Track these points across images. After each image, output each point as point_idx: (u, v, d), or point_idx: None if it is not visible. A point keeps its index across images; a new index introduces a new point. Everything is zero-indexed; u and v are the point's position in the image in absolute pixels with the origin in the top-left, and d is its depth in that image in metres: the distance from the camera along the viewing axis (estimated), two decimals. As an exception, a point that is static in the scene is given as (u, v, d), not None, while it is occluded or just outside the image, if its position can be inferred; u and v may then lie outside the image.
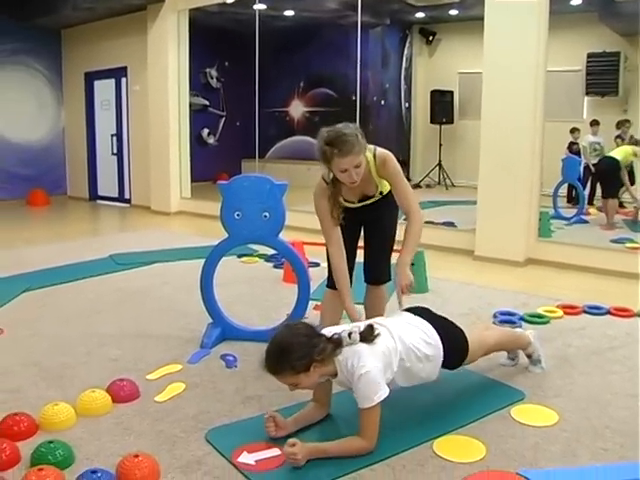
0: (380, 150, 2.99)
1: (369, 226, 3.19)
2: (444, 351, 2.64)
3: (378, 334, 2.49)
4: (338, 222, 3.00)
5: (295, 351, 2.33)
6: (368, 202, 3.08)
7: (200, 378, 3.17)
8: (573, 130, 7.85)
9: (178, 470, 2.30)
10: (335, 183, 2.97)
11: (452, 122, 10.80)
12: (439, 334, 2.66)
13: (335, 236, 3.02)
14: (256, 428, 2.54)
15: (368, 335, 2.48)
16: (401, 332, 2.58)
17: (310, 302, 3.67)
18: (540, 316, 4.13)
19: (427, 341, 2.61)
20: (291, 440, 2.33)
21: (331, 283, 3.21)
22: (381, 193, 3.03)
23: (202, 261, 3.70)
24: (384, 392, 2.37)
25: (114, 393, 2.88)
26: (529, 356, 3.22)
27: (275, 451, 2.41)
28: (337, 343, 2.42)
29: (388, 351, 2.47)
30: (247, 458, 2.37)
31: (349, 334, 2.45)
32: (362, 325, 2.55)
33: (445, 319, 2.84)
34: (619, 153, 6.93)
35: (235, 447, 2.44)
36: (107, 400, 2.81)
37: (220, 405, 2.85)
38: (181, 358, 3.43)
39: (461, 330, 2.82)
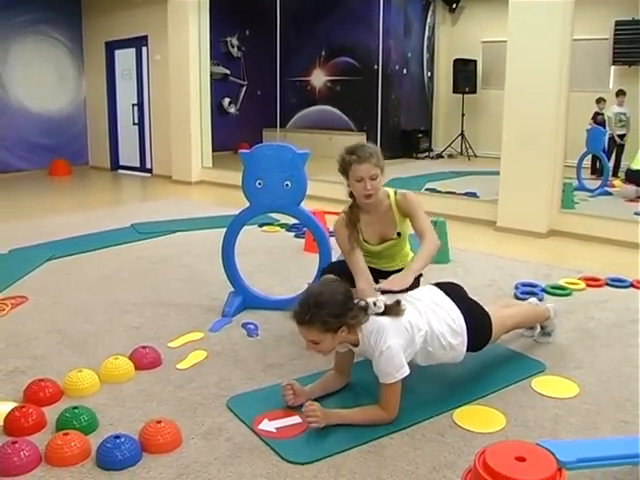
0: (401, 189, 3.03)
1: None
2: (469, 337, 2.62)
3: (404, 309, 2.48)
4: (356, 246, 2.98)
5: (331, 307, 2.31)
6: (387, 245, 3.04)
7: (221, 346, 3.19)
8: (599, 100, 7.71)
9: (200, 436, 2.34)
10: (353, 209, 3.00)
11: (475, 92, 10.67)
12: (465, 319, 2.61)
13: (355, 257, 2.97)
14: (277, 396, 2.56)
15: (394, 308, 2.46)
16: (430, 316, 2.54)
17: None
18: (562, 288, 4.09)
19: (453, 328, 2.57)
20: (310, 401, 2.36)
21: (332, 267, 3.14)
22: (399, 234, 3.00)
23: (223, 230, 3.70)
24: (406, 369, 2.37)
25: (136, 360, 2.91)
26: (542, 327, 3.21)
27: (296, 419, 2.43)
28: (364, 310, 2.41)
29: (411, 327, 2.45)
30: (268, 425, 2.39)
31: (374, 302, 2.44)
32: (388, 299, 2.51)
33: (473, 302, 2.79)
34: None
35: (256, 414, 2.46)
36: (130, 367, 2.85)
37: (241, 373, 2.88)
38: (202, 326, 3.45)
39: (487, 314, 2.76)
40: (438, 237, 2.93)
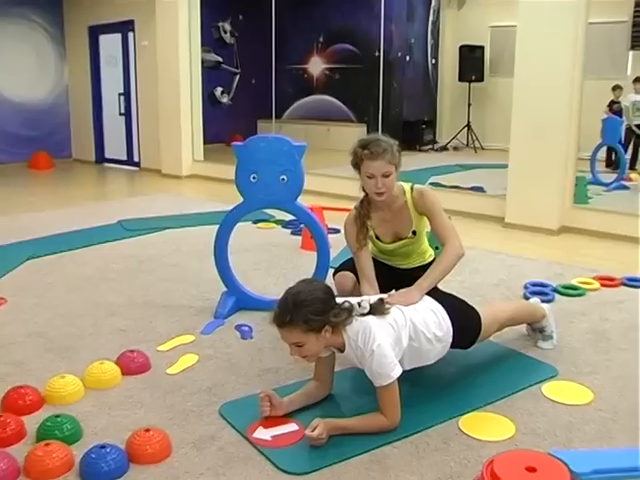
0: (418, 185, 2.99)
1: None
2: (454, 331, 2.64)
3: (389, 308, 2.51)
4: (365, 244, 2.98)
5: (313, 304, 2.32)
6: (401, 243, 3.04)
7: (214, 350, 3.19)
8: (615, 88, 7.67)
9: (191, 445, 2.33)
10: (364, 204, 2.98)
11: (482, 80, 10.66)
12: (448, 313, 2.65)
13: (362, 259, 2.97)
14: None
15: (378, 307, 2.49)
16: (410, 312, 2.58)
17: (330, 270, 3.67)
18: (575, 288, 4.09)
19: (436, 321, 2.61)
20: (314, 422, 2.33)
21: (342, 266, 3.18)
22: (414, 233, 2.99)
23: (216, 227, 3.69)
24: (399, 368, 2.38)
25: (124, 365, 2.91)
26: (541, 330, 3.20)
27: (292, 426, 2.43)
28: (349, 311, 2.42)
29: (396, 325, 2.48)
30: (263, 434, 2.39)
31: (359, 303, 2.46)
32: (372, 298, 2.55)
33: (454, 297, 2.84)
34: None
35: (250, 422, 2.46)
36: (116, 372, 2.84)
37: (235, 378, 2.87)
38: (194, 329, 3.45)
39: (471, 307, 2.81)
40: (432, 248, 2.93)
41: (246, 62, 11.67)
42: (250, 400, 2.65)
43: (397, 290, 2.91)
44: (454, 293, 2.91)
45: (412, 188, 2.96)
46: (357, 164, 2.86)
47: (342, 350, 2.46)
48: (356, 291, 2.95)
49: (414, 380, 2.68)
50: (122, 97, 10.32)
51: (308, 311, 2.31)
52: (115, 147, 10.67)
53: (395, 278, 2.97)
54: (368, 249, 3.01)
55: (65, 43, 10.87)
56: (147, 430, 2.28)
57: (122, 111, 10.37)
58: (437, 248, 4.33)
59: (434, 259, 3.13)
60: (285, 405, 2.52)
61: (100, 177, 9.88)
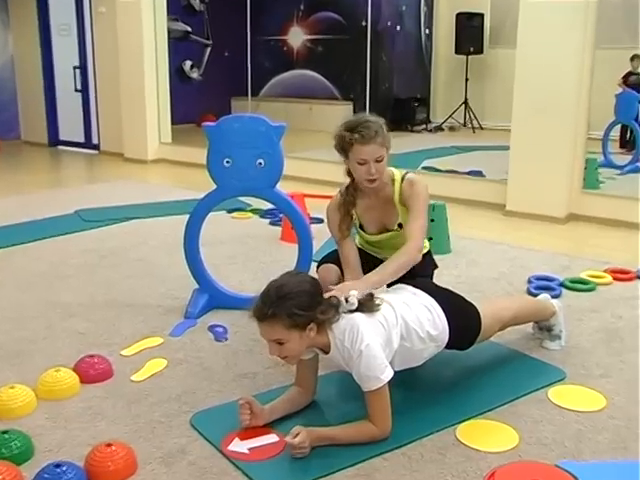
0: (412, 174, 2.99)
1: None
2: (450, 330, 2.65)
3: (379, 304, 2.51)
4: (348, 234, 3.00)
5: (298, 297, 2.32)
6: (388, 235, 3.04)
7: (184, 353, 3.18)
8: (634, 57, 7.59)
9: (158, 460, 2.32)
10: (349, 191, 2.98)
11: (481, 52, 10.68)
12: (444, 310, 2.66)
13: (345, 249, 2.99)
14: (250, 412, 2.55)
15: (367, 303, 2.49)
16: (402, 308, 2.58)
17: (313, 264, 3.66)
18: (584, 282, 4.12)
19: (430, 318, 2.62)
20: (294, 430, 2.32)
21: (326, 258, 3.19)
22: (400, 225, 2.99)
23: (186, 217, 3.69)
24: (390, 370, 2.38)
25: (82, 372, 2.89)
26: (549, 329, 3.22)
27: (272, 437, 2.43)
28: (335, 307, 2.42)
29: (387, 324, 2.48)
30: (239, 446, 2.38)
31: (346, 298, 2.46)
32: (360, 293, 2.55)
33: (450, 292, 2.85)
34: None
35: (225, 433, 2.45)
36: (74, 380, 2.82)
37: (207, 384, 2.87)
38: (162, 330, 3.44)
39: (470, 304, 2.82)
40: (426, 238, 2.95)
41: (218, 32, 11.61)
42: (225, 409, 2.65)
43: (388, 287, 2.93)
44: (449, 288, 2.92)
45: (403, 177, 2.95)
46: (345, 149, 2.85)
47: (327, 351, 2.46)
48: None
49: (407, 384, 2.69)
50: (78, 71, 10.21)
51: (293, 305, 2.30)
52: (71, 128, 10.58)
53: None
54: (352, 238, 3.02)
55: (8, 7, 10.68)
56: (109, 445, 2.26)
57: (78, 87, 10.26)
58: (431, 239, 4.35)
59: (428, 251, 3.14)
60: (267, 413, 2.51)
61: (54, 161, 9.80)
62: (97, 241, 5.15)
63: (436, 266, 3.24)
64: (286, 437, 2.31)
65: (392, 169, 2.97)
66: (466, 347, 2.82)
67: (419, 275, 2.97)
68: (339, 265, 3.03)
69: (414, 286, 2.77)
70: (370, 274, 2.79)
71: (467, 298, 2.87)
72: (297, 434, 2.29)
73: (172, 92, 9.32)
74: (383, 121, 2.87)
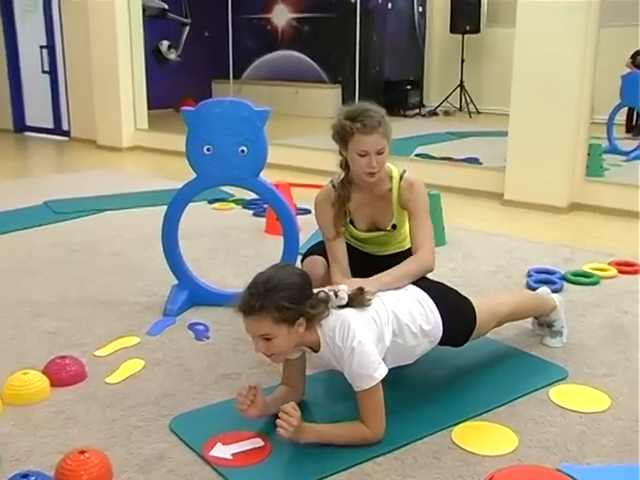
0: (410, 174, 3.00)
1: None
2: (444, 325, 2.67)
3: (370, 299, 2.52)
4: (342, 234, 2.99)
5: (288, 289, 2.33)
6: (377, 234, 3.05)
7: (162, 353, 3.18)
8: (642, 36, 7.63)
9: (135, 468, 2.32)
10: (344, 185, 2.97)
11: (478, 31, 10.69)
12: (436, 304, 2.68)
13: (339, 251, 2.99)
14: (232, 414, 2.54)
15: (358, 297, 2.50)
16: (393, 304, 2.60)
17: (299, 257, 3.67)
18: (587, 275, 4.13)
19: (422, 312, 2.64)
20: (294, 403, 2.35)
21: (311, 250, 3.20)
22: (394, 227, 3.00)
23: (164, 208, 3.68)
24: (384, 367, 2.39)
25: (53, 374, 2.88)
26: (550, 325, 3.23)
27: (257, 442, 2.43)
28: (325, 302, 2.43)
29: (379, 320, 2.50)
30: (222, 451, 2.38)
31: (335, 293, 2.47)
32: (350, 287, 2.56)
33: (442, 285, 2.87)
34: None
35: (207, 438, 2.45)
36: (44, 384, 2.82)
37: (188, 386, 2.87)
38: (138, 329, 3.44)
39: (465, 298, 2.84)
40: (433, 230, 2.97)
41: (197, 10, 11.54)
42: (206, 412, 2.65)
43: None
44: (443, 282, 2.93)
45: (402, 176, 2.95)
46: (344, 139, 2.83)
47: (316, 350, 2.47)
48: (328, 278, 2.96)
49: (400, 384, 2.70)
50: (45, 51, 10.13)
51: (282, 297, 2.30)
52: (38, 113, 10.51)
53: (369, 264, 2.99)
54: (343, 238, 3.02)
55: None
56: (82, 452, 2.25)
57: (45, 68, 10.20)
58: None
59: None
60: (265, 406, 2.52)
61: (20, 149, 9.75)
62: (68, 234, 5.13)
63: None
64: (282, 405, 2.33)
65: (389, 165, 2.97)
66: (461, 344, 2.83)
67: None
68: (326, 257, 3.03)
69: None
70: (381, 275, 2.78)
71: (462, 292, 2.88)
72: (295, 409, 2.31)
73: (148, 74, 9.29)
74: (385, 112, 2.87)
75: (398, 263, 2.87)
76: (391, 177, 2.95)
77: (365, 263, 3.00)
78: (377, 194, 2.96)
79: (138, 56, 9.12)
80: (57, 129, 10.33)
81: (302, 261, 3.19)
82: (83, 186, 6.72)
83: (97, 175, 7.49)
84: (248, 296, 2.33)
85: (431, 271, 2.90)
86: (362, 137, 2.78)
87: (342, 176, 2.97)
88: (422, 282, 2.80)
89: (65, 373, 2.90)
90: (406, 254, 2.96)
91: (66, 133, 10.17)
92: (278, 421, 2.31)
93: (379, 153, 2.80)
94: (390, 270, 2.81)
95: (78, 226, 5.37)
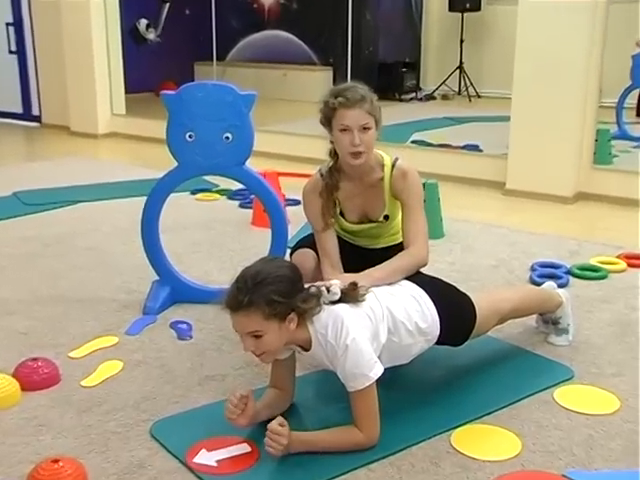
0: (403, 162, 3.00)
1: None
2: (441, 322, 2.67)
3: (364, 294, 2.53)
4: (331, 226, 3.00)
5: (277, 282, 2.33)
6: (369, 226, 3.06)
7: (143, 354, 3.18)
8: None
9: (114, 477, 2.32)
10: (332, 173, 2.98)
11: (479, 8, 10.69)
12: (433, 301, 2.68)
13: (329, 244, 3.00)
14: (217, 418, 2.54)
15: (351, 293, 2.50)
16: (388, 300, 2.60)
17: (288, 251, 3.67)
18: (594, 269, 4.15)
19: (418, 309, 2.64)
20: (281, 418, 2.35)
21: (301, 243, 3.21)
22: (386, 217, 3.01)
23: (143, 199, 3.67)
24: (380, 366, 2.40)
25: (23, 378, 2.87)
26: (555, 322, 3.24)
27: (243, 447, 2.43)
28: (317, 297, 2.44)
29: (374, 317, 2.50)
30: (206, 458, 2.38)
31: (327, 288, 2.47)
32: (342, 283, 2.57)
33: (438, 280, 2.88)
34: None
35: (190, 444, 2.45)
36: (13, 388, 2.81)
37: (170, 389, 2.87)
38: (116, 328, 3.43)
39: (463, 294, 2.85)
40: (426, 220, 2.97)
41: (178, -13, 11.55)
42: (189, 416, 2.65)
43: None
44: (440, 277, 2.93)
45: (394, 164, 2.96)
46: (328, 118, 2.86)
47: (307, 348, 2.47)
48: (319, 272, 2.96)
49: (396, 385, 2.71)
50: (11, 29, 10.04)
51: (272, 291, 2.31)
52: (6, 96, 10.39)
53: (360, 258, 3.00)
54: (333, 229, 3.03)
55: None
56: (55, 461, 2.25)
57: (12, 48, 10.12)
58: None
59: None
60: (255, 414, 2.51)
61: (-13, 136, 9.72)
62: (39, 227, 5.11)
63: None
64: (271, 423, 2.32)
65: (381, 152, 2.98)
66: (460, 343, 2.84)
67: None
68: (317, 251, 3.04)
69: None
70: (372, 270, 2.79)
71: (460, 288, 2.89)
72: (283, 425, 2.31)
73: (125, 56, 9.25)
74: (374, 94, 2.88)
75: (391, 257, 2.88)
76: (383, 165, 2.96)
77: (356, 257, 3.00)
78: (368, 183, 2.97)
79: (114, 35, 9.08)
80: (26, 114, 10.27)
81: (291, 255, 3.19)
82: (55, 176, 6.71)
83: (71, 164, 7.47)
84: (235, 291, 2.33)
85: (424, 266, 2.91)
86: (344, 111, 2.80)
87: (331, 164, 2.99)
88: (417, 277, 2.81)
89: (37, 376, 2.89)
90: (399, 247, 2.97)
91: (36, 118, 10.13)
92: (266, 440, 2.31)
93: (363, 129, 2.81)
94: (382, 265, 2.82)
95: (50, 218, 5.36)
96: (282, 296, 2.32)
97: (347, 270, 2.91)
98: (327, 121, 2.87)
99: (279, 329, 2.35)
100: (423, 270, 2.90)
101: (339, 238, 3.07)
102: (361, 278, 2.68)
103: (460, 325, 2.79)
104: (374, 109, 2.83)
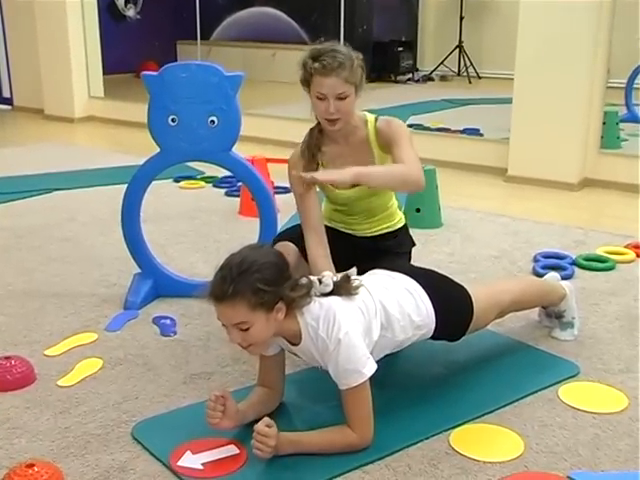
0: (386, 116, 3.03)
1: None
2: (437, 316, 2.68)
3: (358, 287, 2.53)
4: (313, 188, 3.00)
5: (264, 270, 2.33)
6: (362, 190, 3.04)
7: (124, 351, 3.18)
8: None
9: (94, 482, 2.33)
10: (314, 133, 3.01)
11: (479, -15, 10.70)
12: (427, 293, 2.69)
13: (313, 211, 3.00)
14: (203, 418, 2.52)
15: (344, 285, 2.51)
16: (381, 294, 2.61)
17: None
18: (601, 260, 4.16)
19: (412, 303, 2.65)
20: (267, 419, 2.35)
21: (283, 234, 3.22)
22: None
23: (123, 187, 3.67)
24: (373, 363, 2.40)
25: (-4, 377, 2.88)
26: (559, 316, 3.25)
27: (231, 449, 2.44)
28: (307, 288, 2.44)
29: (367, 311, 2.51)
30: (191, 460, 2.39)
31: (319, 279, 2.48)
32: (334, 276, 2.58)
33: (432, 272, 2.89)
34: None
35: (174, 446, 2.45)
36: (-15, 387, 2.82)
37: (153, 388, 2.87)
38: (96, 324, 3.43)
39: (459, 285, 2.86)
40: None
41: (159, -39, 11.53)
42: (173, 417, 2.66)
43: (360, 270, 2.95)
44: (435, 269, 2.94)
45: (376, 119, 3.00)
46: (307, 80, 2.88)
47: (296, 342, 2.48)
48: (301, 268, 2.95)
49: (391, 382, 2.72)
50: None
51: (257, 279, 2.30)
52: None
53: (355, 250, 3.00)
54: (316, 193, 3.03)
55: None
56: (30, 465, 2.24)
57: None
58: (418, 210, 4.37)
59: (405, 225, 3.16)
60: (240, 415, 2.51)
61: (-44, 120, 9.70)
62: (12, 217, 5.11)
63: (414, 244, 3.25)
64: (257, 424, 2.32)
65: (365, 112, 3.01)
66: (457, 337, 2.85)
67: (393, 253, 3.02)
68: (298, 245, 3.03)
69: (390, 269, 2.79)
70: (361, 167, 2.79)
71: (458, 280, 2.89)
72: (270, 426, 2.31)
73: (103, 34, 9.23)
74: (358, 55, 2.90)
75: (385, 247, 2.88)
76: (366, 122, 2.99)
77: (350, 249, 3.01)
78: (354, 143, 2.99)
79: (91, 12, 9.07)
80: (-2, 97, 10.27)
81: (272, 246, 3.18)
82: (29, 162, 6.70)
83: (45, 149, 7.47)
84: (220, 280, 2.33)
85: (419, 189, 2.92)
86: (320, 79, 2.82)
87: (314, 125, 3.02)
88: (411, 269, 2.81)
89: (10, 376, 2.89)
90: (394, 235, 2.96)
91: (8, 101, 10.12)
92: (254, 442, 2.31)
93: (340, 98, 2.83)
94: (370, 167, 2.85)
95: (24, 208, 5.36)
96: (268, 284, 2.32)
97: (341, 267, 2.91)
98: (306, 83, 2.90)
99: (266, 320, 2.35)
100: (417, 262, 2.91)
101: (331, 229, 3.07)
102: (346, 172, 2.71)
103: (457, 318, 2.80)
104: (353, 75, 2.85)
